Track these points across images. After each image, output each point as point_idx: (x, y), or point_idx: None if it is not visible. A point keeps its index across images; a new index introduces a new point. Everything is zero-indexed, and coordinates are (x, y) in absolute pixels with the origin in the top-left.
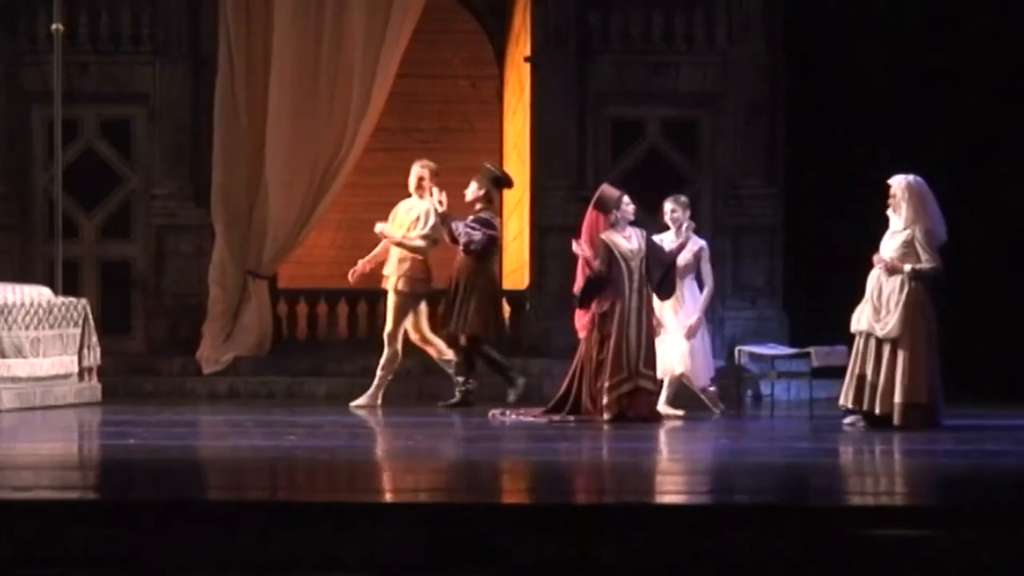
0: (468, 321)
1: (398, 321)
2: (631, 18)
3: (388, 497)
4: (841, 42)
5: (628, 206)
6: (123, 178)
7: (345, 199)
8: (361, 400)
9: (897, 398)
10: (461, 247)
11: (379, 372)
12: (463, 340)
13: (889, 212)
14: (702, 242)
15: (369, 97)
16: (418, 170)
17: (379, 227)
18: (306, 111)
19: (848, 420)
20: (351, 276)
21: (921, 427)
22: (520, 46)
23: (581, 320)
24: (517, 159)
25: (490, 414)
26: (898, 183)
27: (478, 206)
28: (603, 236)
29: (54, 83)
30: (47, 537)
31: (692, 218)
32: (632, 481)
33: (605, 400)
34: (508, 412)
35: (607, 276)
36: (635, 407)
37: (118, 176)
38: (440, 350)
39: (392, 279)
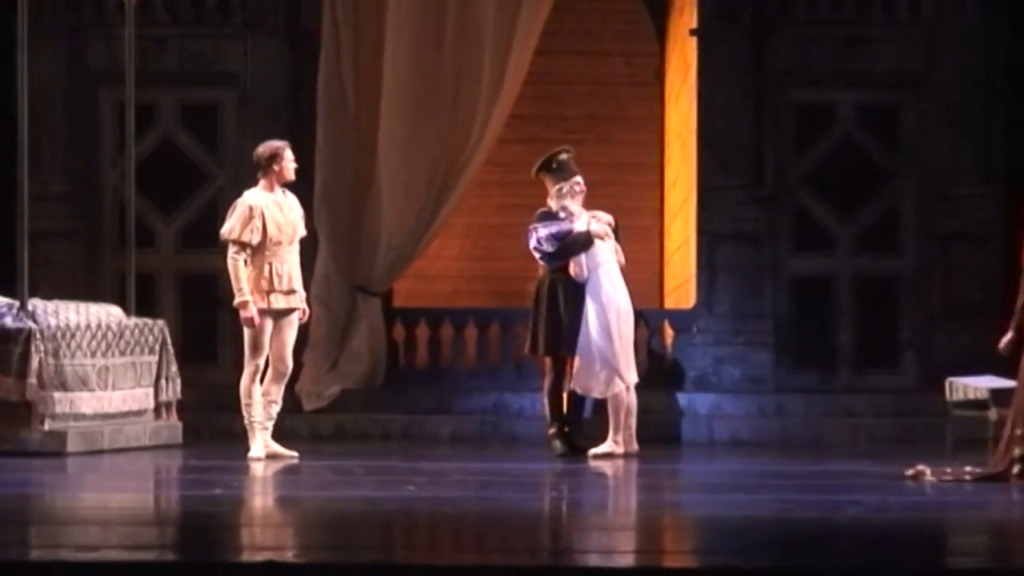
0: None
1: None
2: None
3: (524, 559)
4: None
5: None
6: (208, 175)
7: (474, 200)
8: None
9: None
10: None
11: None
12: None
13: None
14: None
15: (502, 79)
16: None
17: None
18: (427, 96)
19: None
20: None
21: None
22: (685, 17)
23: None
24: (680, 152)
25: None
26: None
27: None
28: None
29: (126, 61)
30: None
31: (893, 221)
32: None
33: (1018, 452)
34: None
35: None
36: None
37: (202, 173)
38: None
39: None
